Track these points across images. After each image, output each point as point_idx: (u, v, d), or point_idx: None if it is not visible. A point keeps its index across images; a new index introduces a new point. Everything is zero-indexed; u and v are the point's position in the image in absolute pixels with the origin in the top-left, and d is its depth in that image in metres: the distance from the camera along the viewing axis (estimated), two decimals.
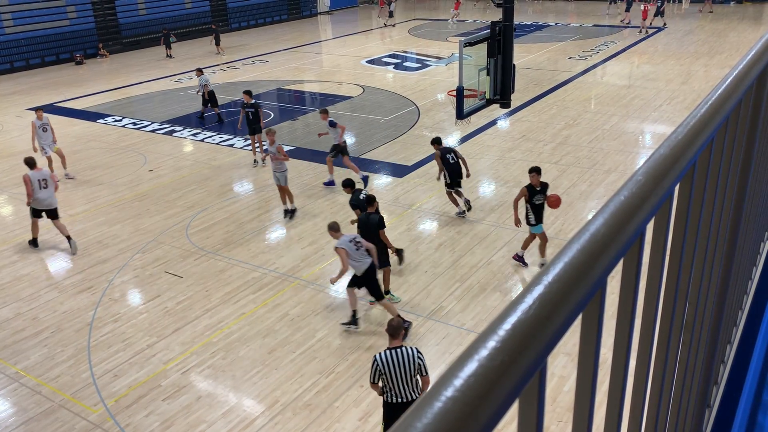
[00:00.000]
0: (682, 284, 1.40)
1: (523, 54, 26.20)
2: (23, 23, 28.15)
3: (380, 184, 14.34)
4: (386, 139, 17.27)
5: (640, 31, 31.11)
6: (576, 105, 19.47)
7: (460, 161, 11.97)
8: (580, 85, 21.90)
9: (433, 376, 6.98)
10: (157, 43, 31.65)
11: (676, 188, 1.21)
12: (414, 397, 6.33)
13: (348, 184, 10.43)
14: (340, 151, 13.99)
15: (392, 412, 6.43)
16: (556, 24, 35.67)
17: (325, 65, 28.71)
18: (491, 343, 0.57)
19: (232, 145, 17.21)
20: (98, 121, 19.93)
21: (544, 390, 0.69)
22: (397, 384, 6.26)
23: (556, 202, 10.09)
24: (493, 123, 17.86)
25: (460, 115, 11.79)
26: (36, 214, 11.49)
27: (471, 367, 0.54)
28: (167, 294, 10.11)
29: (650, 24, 31.44)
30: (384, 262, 9.48)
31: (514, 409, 0.63)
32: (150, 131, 18.72)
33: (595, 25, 34.58)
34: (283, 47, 31.74)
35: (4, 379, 8.27)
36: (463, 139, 16.88)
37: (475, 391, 0.52)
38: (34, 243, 11.79)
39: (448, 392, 0.51)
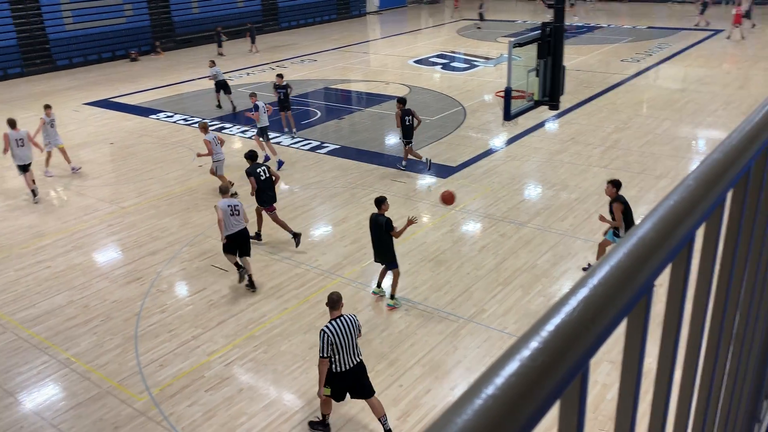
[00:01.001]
0: (732, 293, 1.36)
1: (573, 56, 25.78)
2: (82, 21, 29.08)
3: (424, 184, 14.32)
4: (431, 139, 17.23)
5: (729, 37, 28.97)
6: (627, 108, 19.06)
7: (415, 121, 14.49)
8: (631, 88, 21.43)
9: (473, 379, 6.93)
10: (209, 41, 32.30)
11: (729, 194, 1.17)
12: (358, 361, 6.79)
13: (250, 156, 11.40)
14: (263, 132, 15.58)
15: (342, 380, 6.77)
16: (608, 25, 34.98)
17: (372, 65, 28.81)
18: (533, 344, 0.57)
19: (279, 143, 17.43)
20: (150, 116, 20.44)
21: (586, 394, 0.69)
22: (345, 351, 6.65)
23: (448, 198, 10.29)
24: (541, 125, 17.63)
25: (508, 116, 11.68)
26: (21, 169, 13.96)
27: (512, 366, 0.54)
28: (213, 287, 10.31)
29: (739, 27, 28.33)
30: (394, 264, 9.45)
31: (554, 411, 0.62)
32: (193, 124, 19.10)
33: (649, 27, 33.78)
34: (331, 47, 31.99)
35: (56, 364, 8.57)
36: (510, 141, 16.72)
37: (516, 390, 0.52)
38: (34, 194, 13.98)
39: (489, 390, 0.51)
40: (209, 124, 17.61)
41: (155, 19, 31.83)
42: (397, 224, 9.70)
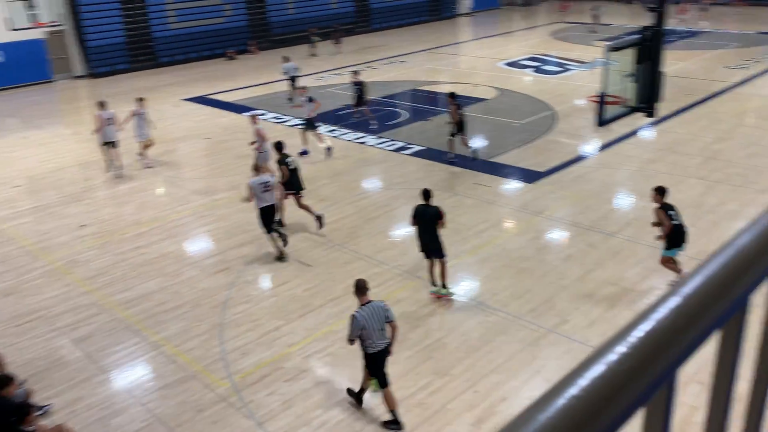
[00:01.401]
0: None
1: (674, 61, 24.66)
2: (185, 20, 30.50)
3: (509, 189, 14.10)
4: (519, 143, 16.95)
5: None
6: (730, 117, 18.04)
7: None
8: (736, 97, 20.26)
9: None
10: (303, 41, 33.13)
11: None
12: (386, 344, 7.29)
13: (278, 147, 11.86)
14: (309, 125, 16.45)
15: (374, 360, 7.27)
16: (713, 30, 33.24)
17: (461, 67, 28.65)
18: (621, 348, 0.55)
19: (364, 143, 17.64)
20: (244, 113, 21.17)
21: (672, 405, 0.65)
22: (373, 334, 7.13)
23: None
24: (635, 132, 16.97)
25: (601, 121, 11.34)
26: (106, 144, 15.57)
27: (598, 369, 0.52)
28: (296, 280, 10.57)
29: None
30: (443, 254, 9.60)
31: (637, 420, 0.60)
32: (290, 126, 19.62)
33: (759, 33, 31.84)
34: (421, 48, 32.06)
35: (147, 346, 9.03)
36: (602, 148, 16.20)
37: (600, 393, 0.50)
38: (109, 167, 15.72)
39: (573, 390, 0.50)
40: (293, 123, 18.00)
41: (252, 19, 32.94)
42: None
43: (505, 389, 7.76)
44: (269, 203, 11.03)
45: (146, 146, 16.27)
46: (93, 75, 28.08)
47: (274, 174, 11.57)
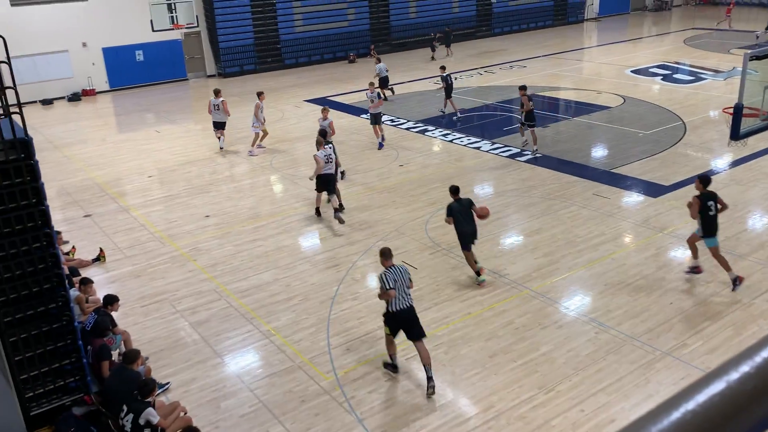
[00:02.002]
0: None
1: None
2: (310, 24, 31.58)
3: (630, 202, 13.45)
4: (643, 154, 16.12)
5: None
6: None
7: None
8: None
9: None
10: (422, 45, 33.36)
11: None
12: (409, 305, 7.88)
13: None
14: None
15: (396, 320, 7.89)
16: None
17: (584, 73, 27.69)
18: (744, 368, 0.49)
19: (479, 148, 17.46)
20: (361, 115, 21.60)
21: None
22: (399, 294, 7.80)
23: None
24: None
25: (736, 135, 10.55)
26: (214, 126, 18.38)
27: (718, 386, 0.47)
28: None
29: None
30: (467, 246, 10.24)
31: None
32: (405, 129, 19.79)
33: None
34: (543, 53, 31.31)
35: (258, 334, 9.42)
36: (735, 163, 15.08)
37: (719, 411, 0.45)
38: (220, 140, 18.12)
39: (689, 405, 0.45)
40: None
41: (375, 23, 33.56)
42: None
43: (614, 411, 7.39)
44: (329, 172, 12.84)
45: (259, 137, 17.89)
46: (223, 74, 29.74)
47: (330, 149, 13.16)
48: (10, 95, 6.28)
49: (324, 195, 13.28)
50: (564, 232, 12.10)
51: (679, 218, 12.35)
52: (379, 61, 23.67)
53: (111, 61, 27.64)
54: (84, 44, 26.85)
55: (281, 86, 26.86)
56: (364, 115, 21.43)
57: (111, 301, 8.77)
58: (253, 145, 18.06)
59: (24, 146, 6.23)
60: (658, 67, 26.70)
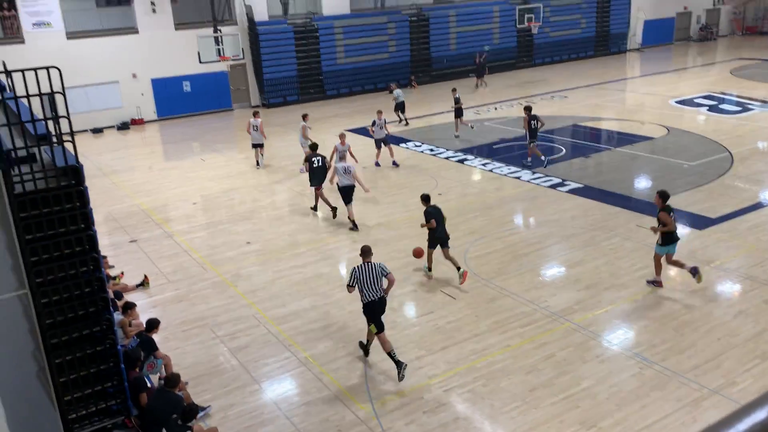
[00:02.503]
0: None
1: None
2: (351, 56, 32.08)
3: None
4: (688, 185, 15.78)
5: None
6: None
7: (540, 123, 17.64)
8: None
9: None
10: (461, 76, 33.53)
11: None
12: (379, 295, 8.91)
13: (311, 147, 15.10)
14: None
15: (368, 309, 8.94)
16: None
17: (627, 103, 27.39)
18: None
19: (519, 178, 17.34)
20: (401, 145, 21.73)
21: None
22: (369, 287, 8.88)
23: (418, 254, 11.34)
24: None
25: None
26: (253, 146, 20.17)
27: (761, 414, 0.45)
28: (439, 312, 10.54)
29: None
30: (434, 246, 11.54)
31: None
32: (444, 158, 19.81)
33: None
34: (584, 83, 31.12)
35: (296, 361, 9.43)
36: None
37: None
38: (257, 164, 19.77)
39: (741, 427, 0.44)
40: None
41: (415, 54, 33.90)
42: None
43: None
44: (350, 183, 14.26)
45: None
46: (266, 105, 30.34)
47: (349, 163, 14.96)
48: (64, 124, 6.52)
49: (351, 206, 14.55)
50: (607, 264, 11.86)
51: (726, 251, 12.00)
52: (395, 87, 25.55)
53: (159, 92, 28.51)
54: (134, 75, 27.78)
55: (323, 116, 27.23)
56: (404, 144, 21.55)
57: (153, 325, 8.91)
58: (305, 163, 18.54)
59: (75, 173, 6.44)
60: (704, 97, 26.24)
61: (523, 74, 35.26)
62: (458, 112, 21.71)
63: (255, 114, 20.00)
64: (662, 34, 43.05)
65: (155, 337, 8.97)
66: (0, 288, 6.29)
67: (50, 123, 6.52)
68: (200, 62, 24.22)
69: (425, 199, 11.73)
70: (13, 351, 6.46)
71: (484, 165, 18.78)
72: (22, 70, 6.10)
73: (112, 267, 12.62)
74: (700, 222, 13.50)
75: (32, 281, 6.36)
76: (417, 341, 9.74)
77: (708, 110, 24.16)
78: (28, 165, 6.29)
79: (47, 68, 6.21)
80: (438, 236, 11.46)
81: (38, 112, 6.58)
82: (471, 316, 10.35)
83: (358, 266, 9.05)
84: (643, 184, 16.65)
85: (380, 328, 8.93)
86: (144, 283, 12.11)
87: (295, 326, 10.41)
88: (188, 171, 20.39)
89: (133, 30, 27.69)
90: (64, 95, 6.30)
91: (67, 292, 6.53)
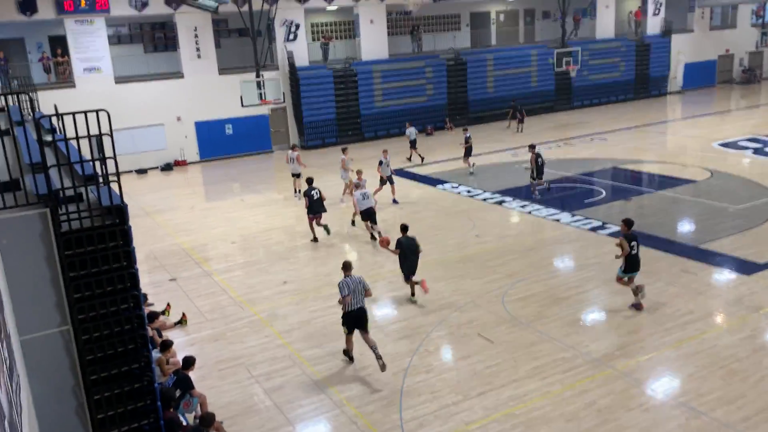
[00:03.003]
0: None
1: None
2: (389, 99, 32.54)
3: (721, 279, 12.75)
4: (734, 230, 15.36)
5: None
6: None
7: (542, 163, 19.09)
8: None
9: None
10: (498, 119, 33.67)
11: None
12: (360, 306, 10.09)
13: (308, 181, 17.06)
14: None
15: (350, 318, 10.12)
16: None
17: (668, 146, 27.03)
18: None
19: (558, 220, 17.14)
20: (437, 186, 21.77)
21: None
22: (354, 298, 10.00)
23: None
24: None
25: None
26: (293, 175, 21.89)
27: None
28: (477, 356, 10.35)
29: None
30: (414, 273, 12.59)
31: None
32: (482, 199, 19.74)
33: None
34: (624, 126, 30.87)
35: (330, 403, 9.32)
36: None
37: None
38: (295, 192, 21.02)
39: None
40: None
41: (452, 97, 34.21)
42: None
43: None
44: (368, 206, 15.95)
45: (347, 186, 19.55)
46: (305, 147, 30.84)
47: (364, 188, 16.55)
48: (110, 165, 6.72)
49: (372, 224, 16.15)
50: (650, 310, 11.54)
51: None
52: (410, 125, 26.50)
53: (202, 134, 29.29)
54: (179, 118, 28.64)
55: (361, 158, 27.47)
56: (440, 186, 21.59)
57: (190, 363, 8.96)
58: (343, 194, 20.26)
59: (119, 212, 6.60)
60: (749, 140, 25.73)
61: (562, 117, 35.20)
62: (468, 151, 22.98)
63: (293, 147, 21.87)
64: (704, 77, 42.66)
65: (191, 375, 9.00)
66: (44, 324, 6.42)
67: (97, 164, 6.73)
68: (242, 106, 24.86)
69: (403, 228, 12.80)
70: (54, 386, 6.55)
71: (522, 207, 18.63)
72: (73, 113, 6.35)
73: (151, 305, 12.80)
74: (746, 267, 13.08)
75: (74, 317, 6.48)
76: (453, 386, 9.55)
77: (753, 153, 23.65)
78: (75, 204, 6.48)
79: (96, 111, 6.45)
80: (405, 267, 12.54)
81: (86, 153, 6.81)
82: (509, 360, 10.14)
83: (344, 280, 10.10)
84: (686, 227, 16.29)
85: (351, 331, 10.25)
86: (182, 321, 12.25)
87: (330, 367, 10.33)
88: (228, 211, 20.73)
89: (178, 75, 28.67)
90: (111, 137, 6.52)
91: (108, 329, 6.63)
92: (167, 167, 28.37)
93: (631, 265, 11.41)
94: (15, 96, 13.29)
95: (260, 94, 25.11)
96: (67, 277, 6.39)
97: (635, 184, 21.08)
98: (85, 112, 6.35)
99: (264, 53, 26.51)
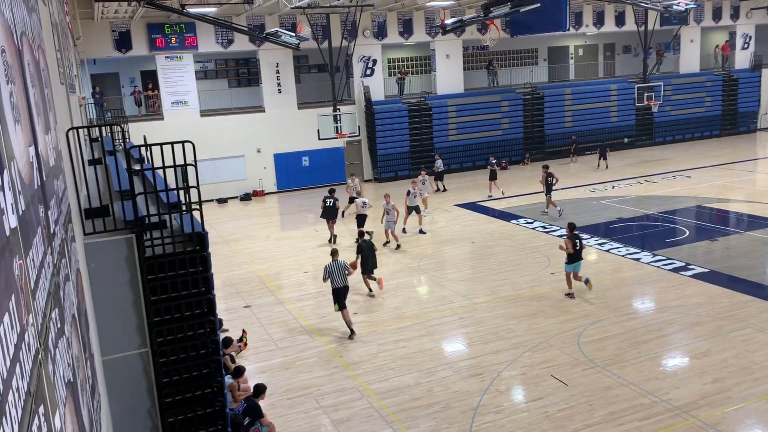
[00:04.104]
0: None
1: None
2: (464, 133, 32.55)
3: None
4: None
5: None
6: None
7: (555, 179, 21.34)
8: None
9: None
10: (576, 153, 33.02)
11: None
12: (344, 284, 12.70)
13: (329, 192, 20.25)
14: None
15: (337, 293, 12.68)
16: None
17: (758, 185, 25.69)
18: None
19: (638, 260, 16.51)
20: (511, 221, 21.45)
21: None
22: (337, 276, 12.63)
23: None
24: None
25: None
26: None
27: None
28: (550, 398, 10.01)
29: None
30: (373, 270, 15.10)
31: None
32: (558, 236, 19.28)
33: None
34: (709, 163, 29.63)
35: None
36: None
37: None
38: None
39: None
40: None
41: (528, 131, 33.85)
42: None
43: None
44: (365, 213, 19.36)
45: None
46: (378, 179, 31.17)
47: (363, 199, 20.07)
48: (193, 194, 7.01)
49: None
50: (737, 357, 10.87)
51: None
52: (438, 157, 28.08)
53: (280, 166, 30.13)
54: (258, 150, 29.61)
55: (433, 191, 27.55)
56: (514, 221, 21.28)
57: (261, 391, 9.08)
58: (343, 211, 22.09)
59: (200, 239, 6.85)
60: None
61: (643, 153, 34.16)
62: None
63: (351, 175, 24.24)
64: None
65: (261, 402, 9.10)
66: (125, 345, 6.68)
67: (181, 192, 7.03)
68: (319, 139, 25.47)
69: (360, 234, 16.00)
70: (131, 407, 6.78)
71: (600, 245, 18.08)
72: (160, 144, 6.67)
73: (225, 330, 13.11)
74: None
75: (153, 340, 6.71)
76: (525, 428, 9.25)
77: None
78: (159, 230, 6.77)
79: (182, 142, 6.76)
80: (365, 266, 14.89)
81: (171, 182, 7.12)
82: (584, 404, 9.74)
83: (329, 264, 12.79)
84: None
85: (342, 307, 12.65)
86: (242, 338, 12.60)
87: (398, 402, 10.23)
88: (302, 241, 21.11)
89: (260, 108, 29.72)
90: (195, 167, 6.80)
91: (184, 353, 6.83)
92: (246, 197, 29.27)
93: (575, 259, 13.99)
94: (108, 127, 14.11)
95: (336, 127, 25.69)
96: (149, 301, 6.65)
97: (721, 225, 20.10)
98: (172, 143, 6.67)
99: (341, 88, 27.15)
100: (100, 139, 13.79)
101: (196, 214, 7.01)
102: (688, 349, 11.43)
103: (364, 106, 31.04)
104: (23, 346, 2.25)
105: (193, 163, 6.83)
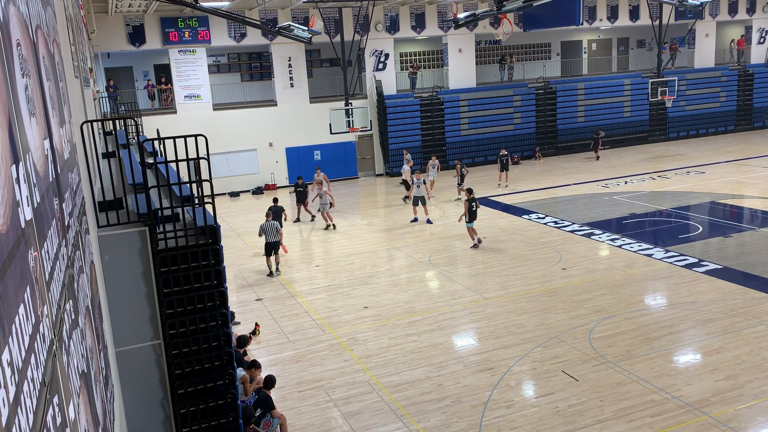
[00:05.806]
0: None
1: None
2: (476, 127, 32.46)
3: None
4: None
5: None
6: None
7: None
8: None
9: None
10: (587, 149, 32.83)
11: None
12: (274, 240, 16.36)
13: (295, 182, 22.22)
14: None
15: (268, 246, 16.37)
16: None
17: None
18: None
19: (650, 256, 16.42)
20: (523, 216, 21.39)
21: None
22: (269, 234, 16.23)
23: None
24: None
25: None
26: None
27: None
28: (560, 393, 9.99)
29: None
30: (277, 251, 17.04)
31: None
32: (569, 231, 19.22)
33: None
34: (724, 159, 29.38)
35: None
36: None
37: None
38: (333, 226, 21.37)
39: None
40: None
41: (540, 126, 33.72)
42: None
43: None
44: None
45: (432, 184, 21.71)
46: (389, 174, 31.17)
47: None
48: (206, 187, 7.05)
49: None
50: (750, 354, 10.80)
51: None
52: (434, 158, 27.16)
53: (292, 159, 30.19)
54: (270, 144, 29.69)
55: (443, 186, 27.50)
56: (526, 216, 21.21)
57: (271, 383, 9.13)
58: (312, 200, 22.50)
59: (212, 232, 6.89)
60: None
61: (656, 148, 33.94)
62: (504, 166, 24.94)
63: (317, 168, 24.72)
64: None
65: (272, 394, 9.16)
66: (138, 337, 6.75)
67: (194, 186, 7.07)
68: (331, 133, 25.49)
69: (267, 215, 16.87)
70: (144, 398, 6.84)
71: (612, 240, 18.00)
72: (174, 138, 6.71)
73: (237, 323, 13.19)
74: None
75: (166, 332, 6.77)
76: (535, 423, 9.25)
77: None
78: (171, 223, 6.82)
79: (195, 136, 6.79)
80: (268, 245, 16.59)
81: (184, 176, 7.17)
82: (595, 400, 9.72)
83: (264, 223, 16.43)
84: None
85: (269, 255, 16.44)
86: (255, 332, 12.67)
87: (408, 396, 10.26)
88: (313, 234, 21.16)
89: (272, 102, 29.78)
90: (208, 161, 6.84)
91: (196, 345, 6.88)
92: (258, 191, 29.37)
93: (471, 216, 17.71)
94: (122, 121, 14.22)
95: (348, 121, 25.70)
96: (161, 293, 6.70)
97: (735, 221, 19.94)
98: (185, 137, 6.70)
99: (353, 82, 27.16)
100: (113, 132, 13.89)
101: (208, 207, 7.05)
102: (700, 345, 11.37)
103: (376, 101, 31.01)
104: (38, 336, 2.28)
105: (206, 157, 6.86)
